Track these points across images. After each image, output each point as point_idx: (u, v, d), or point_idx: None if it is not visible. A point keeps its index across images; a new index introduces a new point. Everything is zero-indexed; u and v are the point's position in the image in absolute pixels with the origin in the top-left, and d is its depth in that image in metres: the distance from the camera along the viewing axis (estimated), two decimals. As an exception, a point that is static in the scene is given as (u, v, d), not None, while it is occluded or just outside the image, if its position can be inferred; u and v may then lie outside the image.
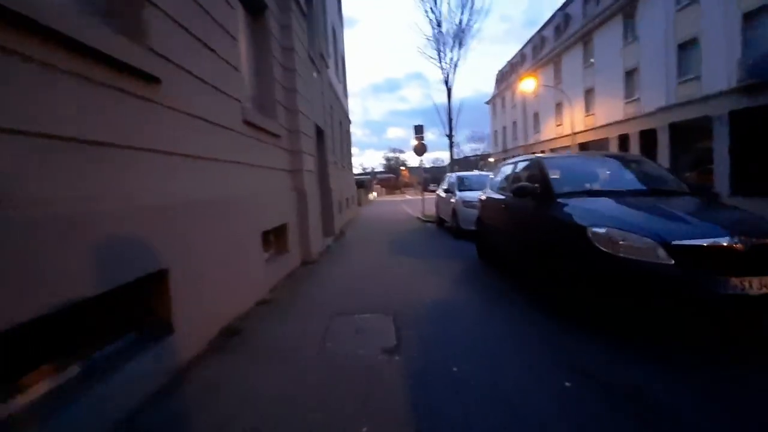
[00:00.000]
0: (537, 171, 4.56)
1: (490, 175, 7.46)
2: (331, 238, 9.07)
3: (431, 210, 15.18)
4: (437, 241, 8.93)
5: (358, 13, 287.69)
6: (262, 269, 4.55)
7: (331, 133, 11.52)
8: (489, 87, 47.95)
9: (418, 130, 17.24)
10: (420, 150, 17.12)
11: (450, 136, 15.02)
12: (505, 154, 43.50)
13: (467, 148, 68.21)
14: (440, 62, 15.06)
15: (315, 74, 8.66)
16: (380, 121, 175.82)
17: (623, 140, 23.10)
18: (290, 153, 6.34)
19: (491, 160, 50.76)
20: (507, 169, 6.07)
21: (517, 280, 4.92)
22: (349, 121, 20.78)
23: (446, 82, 15.05)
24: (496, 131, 47.96)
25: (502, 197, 5.70)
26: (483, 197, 6.97)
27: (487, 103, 49.39)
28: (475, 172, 11.72)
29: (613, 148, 23.94)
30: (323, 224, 8.75)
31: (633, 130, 22.12)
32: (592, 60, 26.32)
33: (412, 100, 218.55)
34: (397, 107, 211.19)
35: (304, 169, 6.62)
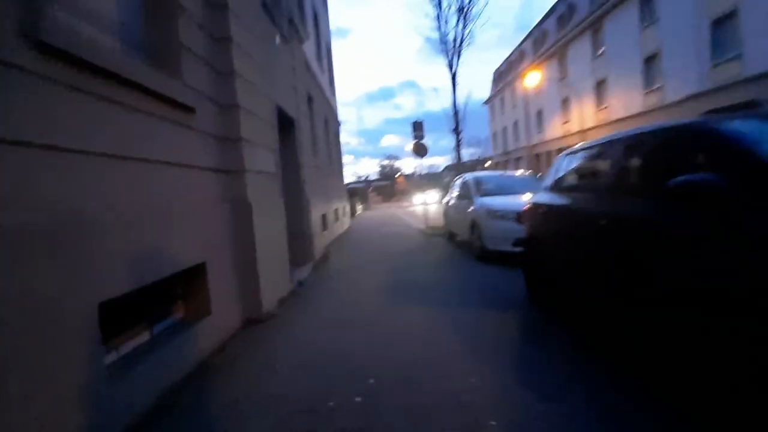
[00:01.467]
0: (707, 148, 2.06)
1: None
2: (307, 267, 6.52)
3: (435, 220, 12.64)
4: (455, 268, 6.39)
5: (350, 23, 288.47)
6: (89, 399, 1.96)
7: (309, 127, 9.04)
8: (483, 93, 45.50)
9: (417, 127, 14.79)
10: (420, 150, 14.68)
11: (456, 131, 12.55)
12: (506, 156, 41.21)
13: (464, 153, 65.86)
14: (443, 44, 12.63)
15: (278, 39, 6.18)
16: (375, 130, 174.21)
17: (644, 135, 20.72)
18: (218, 141, 3.81)
19: (488, 164, 48.38)
20: (586, 155, 3.58)
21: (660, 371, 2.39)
22: (339, 122, 18.31)
23: (450, 66, 12.61)
24: (495, 133, 45.68)
25: (580, 203, 3.20)
26: (529, 205, 4.50)
27: (485, 103, 47.16)
28: (498, 172, 9.24)
29: (633, 143, 21.53)
30: (295, 250, 6.21)
31: (656, 122, 19.75)
32: (603, 49, 24.05)
33: (406, 107, 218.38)
34: (392, 115, 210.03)
35: (249, 168, 4.09)
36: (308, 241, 6.93)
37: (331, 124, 14.76)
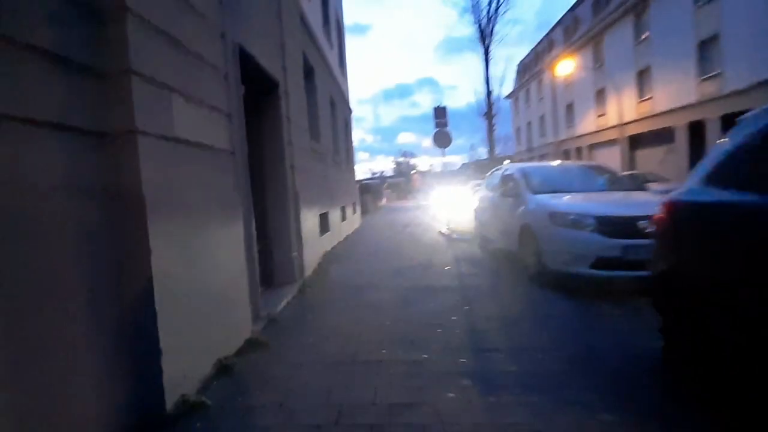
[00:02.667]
0: None
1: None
2: (290, 290, 4.59)
3: (458, 221, 10.59)
4: (502, 296, 4.38)
5: (370, 19, 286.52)
6: None
7: (306, 101, 7.09)
8: (505, 91, 41.91)
9: (440, 113, 12.75)
10: (442, 140, 12.62)
11: (489, 114, 10.44)
12: (530, 154, 38.72)
13: (483, 151, 63.38)
14: (475, 11, 10.52)
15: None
16: (391, 127, 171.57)
17: (695, 129, 18.22)
18: (69, 72, 1.89)
19: (507, 162, 45.84)
20: None
21: None
22: (350, 110, 16.39)
23: (482, 33, 10.48)
24: (518, 128, 43.13)
25: None
26: (669, 207, 2.51)
27: (508, 97, 44.49)
28: (553, 162, 7.17)
29: (682, 139, 19.08)
30: (272, 264, 4.33)
31: (712, 114, 17.23)
32: (647, 34, 21.50)
33: (424, 105, 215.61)
34: (408, 113, 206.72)
35: (146, 130, 2.17)
36: (293, 251, 5.01)
37: (340, 109, 12.81)
